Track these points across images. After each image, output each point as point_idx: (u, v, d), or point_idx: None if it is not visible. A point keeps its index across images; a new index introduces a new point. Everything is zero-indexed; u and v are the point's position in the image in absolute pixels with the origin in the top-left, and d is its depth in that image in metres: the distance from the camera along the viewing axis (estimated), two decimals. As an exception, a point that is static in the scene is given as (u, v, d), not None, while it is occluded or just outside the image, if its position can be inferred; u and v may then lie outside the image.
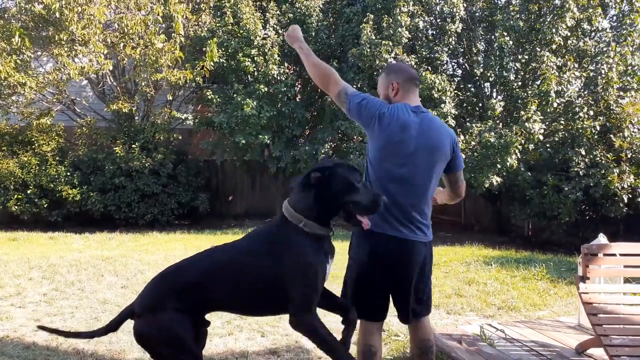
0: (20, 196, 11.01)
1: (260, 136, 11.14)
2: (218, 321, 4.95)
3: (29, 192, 10.99)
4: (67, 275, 6.51)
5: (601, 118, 10.32)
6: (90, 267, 6.91)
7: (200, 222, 12.74)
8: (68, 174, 11.18)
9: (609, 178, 9.32)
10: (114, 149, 11.29)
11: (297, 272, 2.36)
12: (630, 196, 9.37)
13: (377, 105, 2.57)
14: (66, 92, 11.75)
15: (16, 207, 10.98)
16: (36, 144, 11.42)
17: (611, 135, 9.94)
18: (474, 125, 10.60)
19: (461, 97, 11.59)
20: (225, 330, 4.72)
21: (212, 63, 11.01)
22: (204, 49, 11.26)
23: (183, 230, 11.26)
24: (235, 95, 11.32)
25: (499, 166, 10.24)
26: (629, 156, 9.65)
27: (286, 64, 12.02)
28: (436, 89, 10.48)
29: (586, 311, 3.30)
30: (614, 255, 3.63)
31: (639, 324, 3.24)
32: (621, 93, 10.47)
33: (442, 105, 10.49)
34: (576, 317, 4.25)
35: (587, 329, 3.78)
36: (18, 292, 5.82)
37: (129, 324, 2.57)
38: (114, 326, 2.57)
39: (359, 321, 2.66)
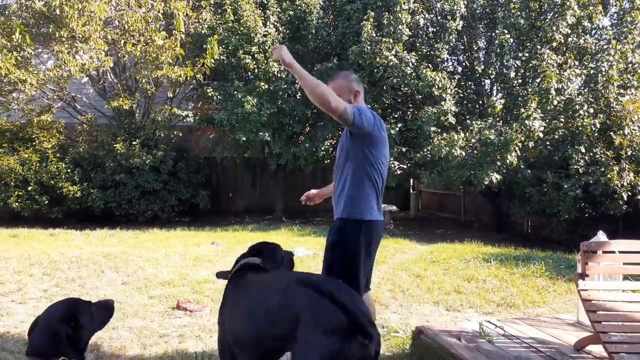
0: (20, 193, 11.03)
1: (261, 133, 11.16)
2: (212, 319, 4.97)
3: (29, 188, 11.00)
4: (68, 272, 6.53)
5: (601, 116, 10.32)
6: (91, 264, 6.94)
7: (200, 218, 12.76)
8: (69, 170, 11.19)
9: (609, 176, 9.33)
10: (115, 145, 11.30)
11: None
12: (630, 194, 9.38)
13: (369, 110, 2.92)
14: (67, 89, 11.76)
15: (17, 203, 11.00)
16: (37, 141, 11.43)
17: (611, 133, 9.94)
18: (474, 122, 10.60)
19: (461, 95, 11.59)
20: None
21: (212, 60, 11.02)
22: (204, 46, 11.26)
23: (183, 227, 11.28)
24: (235, 92, 11.33)
25: (498, 163, 10.25)
26: (629, 154, 9.66)
27: (286, 61, 12.02)
28: (436, 87, 10.48)
29: (585, 308, 3.30)
30: (613, 252, 3.63)
31: (638, 320, 3.25)
32: (621, 91, 10.46)
33: (442, 103, 10.49)
34: (575, 314, 4.25)
35: (586, 326, 3.79)
36: (19, 288, 5.84)
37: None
38: None
39: None
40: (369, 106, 3.14)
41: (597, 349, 3.37)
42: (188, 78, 11.44)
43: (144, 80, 11.44)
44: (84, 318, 1.86)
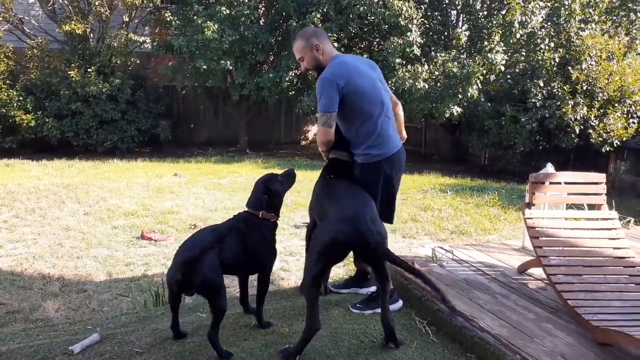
0: (-31, 121, 10.54)
1: (222, 61, 10.83)
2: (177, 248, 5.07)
3: (-22, 117, 10.52)
4: (27, 203, 6.44)
5: (561, 50, 10.49)
6: (51, 195, 6.84)
7: (161, 149, 12.58)
8: (20, 98, 10.70)
9: (564, 109, 9.64)
10: (69, 72, 10.79)
11: None
12: (582, 127, 9.76)
13: (333, 90, 2.78)
14: (13, 10, 10.98)
15: (-34, 132, 10.54)
16: (-17, 66, 10.79)
17: (569, 68, 10.16)
18: (438, 54, 10.60)
19: (427, 25, 11.47)
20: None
21: (169, -18, 10.45)
22: (160, -34, 10.64)
23: (144, 158, 11.13)
24: (195, 17, 10.85)
25: (460, 96, 10.39)
26: (584, 88, 9.94)
27: (249, -15, 11.50)
28: (403, 17, 10.31)
29: (529, 235, 3.55)
30: (559, 183, 3.86)
31: (576, 246, 3.53)
32: (582, 25, 10.59)
33: (408, 34, 10.38)
34: (521, 240, 4.56)
35: (529, 251, 4.07)
36: (-23, 219, 5.75)
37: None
38: None
39: None
40: (335, 53, 2.98)
41: (537, 272, 3.66)
42: (144, 1, 10.85)
43: (97, 3, 10.78)
44: (275, 186, 2.82)
